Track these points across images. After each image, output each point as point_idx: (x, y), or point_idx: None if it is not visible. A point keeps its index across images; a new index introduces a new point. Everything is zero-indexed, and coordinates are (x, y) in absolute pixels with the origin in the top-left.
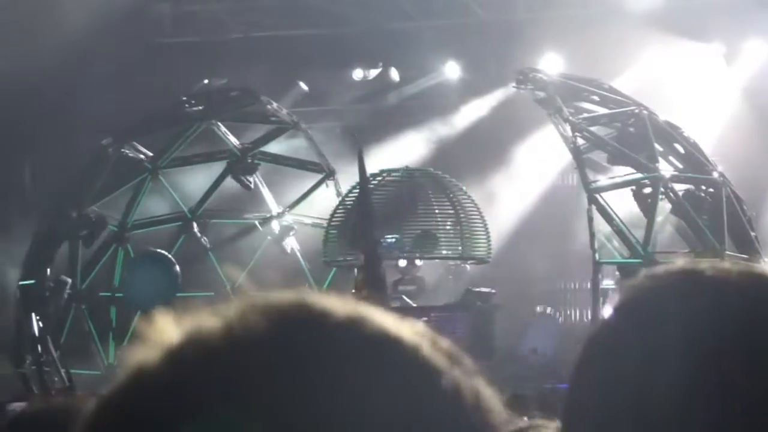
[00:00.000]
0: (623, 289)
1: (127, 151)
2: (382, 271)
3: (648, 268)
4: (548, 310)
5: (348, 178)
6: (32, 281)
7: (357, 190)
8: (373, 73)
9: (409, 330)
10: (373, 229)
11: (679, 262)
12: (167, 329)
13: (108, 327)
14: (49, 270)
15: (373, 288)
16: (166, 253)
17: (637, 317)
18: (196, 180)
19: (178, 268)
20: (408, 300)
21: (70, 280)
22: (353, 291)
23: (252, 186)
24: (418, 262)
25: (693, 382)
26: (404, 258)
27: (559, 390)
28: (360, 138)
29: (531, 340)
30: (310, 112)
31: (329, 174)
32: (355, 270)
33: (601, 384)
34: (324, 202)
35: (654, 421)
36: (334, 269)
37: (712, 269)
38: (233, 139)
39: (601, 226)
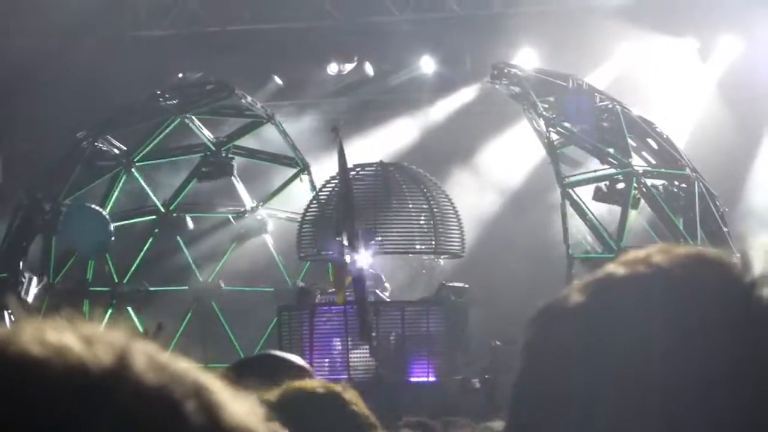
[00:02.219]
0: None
1: (101, 145)
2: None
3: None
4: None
5: (323, 172)
6: (4, 274)
7: (336, 184)
8: (349, 67)
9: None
10: (355, 224)
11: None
12: None
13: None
14: (22, 263)
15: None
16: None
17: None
18: (171, 174)
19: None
20: (381, 295)
21: (42, 275)
22: (330, 285)
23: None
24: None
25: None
26: (380, 253)
27: None
28: (340, 131)
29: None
30: (285, 107)
31: (303, 168)
32: (329, 264)
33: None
34: (298, 196)
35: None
36: (308, 263)
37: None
38: (207, 133)
39: (576, 221)
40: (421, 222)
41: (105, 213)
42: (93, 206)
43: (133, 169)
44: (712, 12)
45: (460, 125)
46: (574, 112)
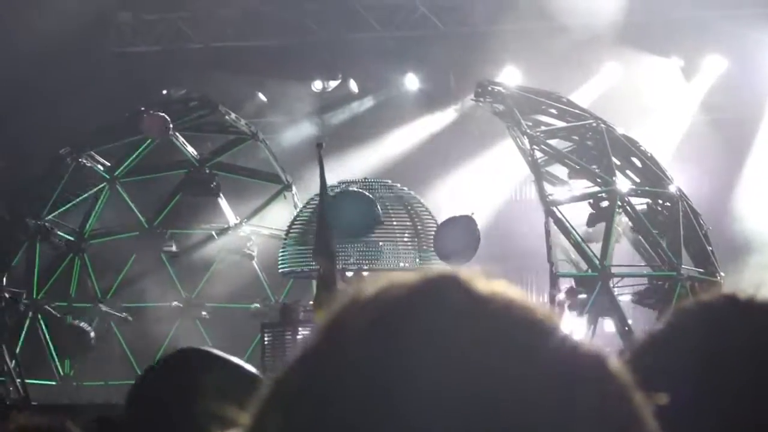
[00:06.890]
0: (670, 312)
1: (85, 161)
2: (337, 280)
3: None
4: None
5: (306, 188)
6: None
7: (316, 200)
8: (333, 84)
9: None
10: (331, 239)
11: (722, 289)
12: (364, 289)
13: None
14: (5, 279)
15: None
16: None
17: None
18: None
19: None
20: None
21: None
22: (312, 304)
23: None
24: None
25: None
26: (356, 269)
27: None
28: (322, 147)
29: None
30: (268, 123)
31: (287, 185)
32: (313, 282)
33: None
34: (282, 213)
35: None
36: (292, 280)
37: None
38: (191, 150)
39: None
40: (405, 239)
41: (369, 194)
42: (359, 190)
43: (117, 185)
44: (697, 32)
45: (444, 142)
46: None
